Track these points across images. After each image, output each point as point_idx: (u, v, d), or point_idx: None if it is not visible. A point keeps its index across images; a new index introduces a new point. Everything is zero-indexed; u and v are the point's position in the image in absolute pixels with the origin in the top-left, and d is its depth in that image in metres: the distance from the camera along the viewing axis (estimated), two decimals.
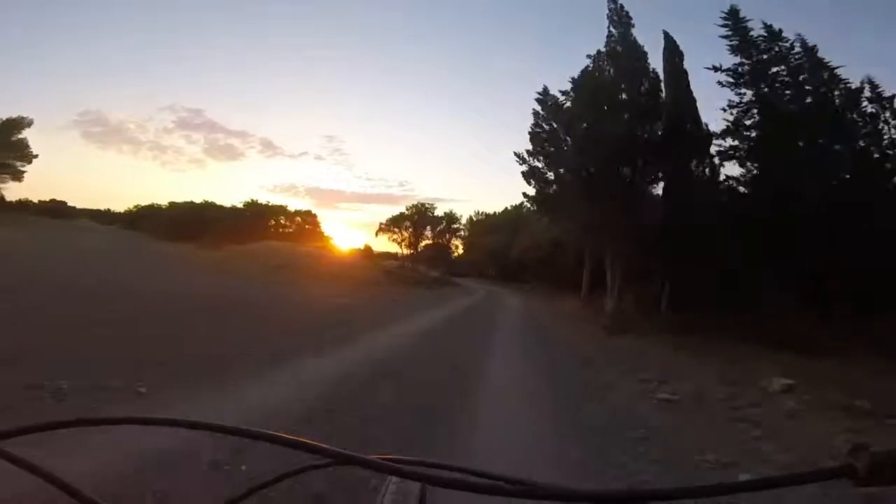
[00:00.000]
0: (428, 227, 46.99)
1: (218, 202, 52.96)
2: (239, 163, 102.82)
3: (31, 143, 46.36)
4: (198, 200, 53.39)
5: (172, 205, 55.53)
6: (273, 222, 49.71)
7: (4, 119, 36.80)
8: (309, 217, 52.94)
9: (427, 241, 47.88)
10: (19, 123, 38.15)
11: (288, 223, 50.54)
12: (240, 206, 49.78)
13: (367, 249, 61.88)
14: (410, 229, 45.70)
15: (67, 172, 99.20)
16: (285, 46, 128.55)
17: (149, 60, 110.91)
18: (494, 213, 57.71)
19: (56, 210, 54.21)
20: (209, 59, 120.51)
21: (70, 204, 61.81)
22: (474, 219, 57.71)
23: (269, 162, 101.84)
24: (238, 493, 0.62)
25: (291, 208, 54.28)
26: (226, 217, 46.50)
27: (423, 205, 47.21)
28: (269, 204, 50.22)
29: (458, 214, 50.43)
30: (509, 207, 51.89)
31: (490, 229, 51.52)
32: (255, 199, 50.91)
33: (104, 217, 69.31)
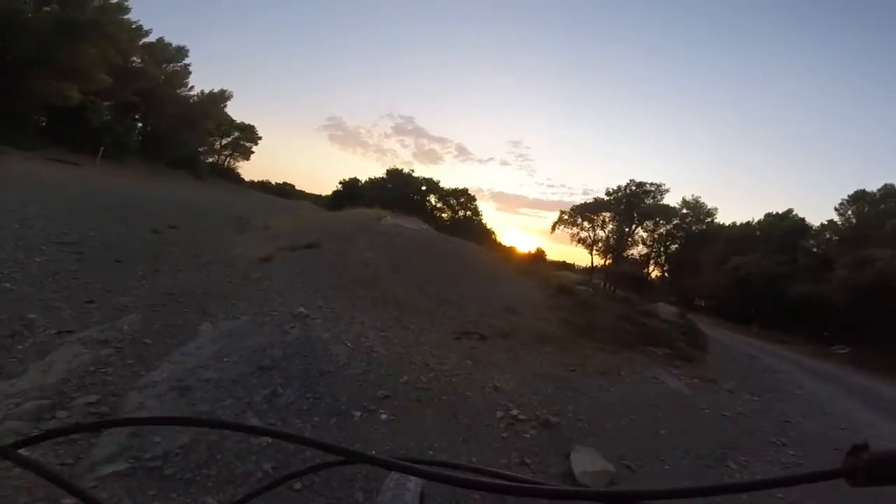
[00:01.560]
0: (641, 224, 28.65)
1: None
2: (438, 166, 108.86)
3: (259, 131, 54.88)
4: None
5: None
6: (418, 198, 37.45)
7: (210, 91, 42.16)
8: (468, 201, 39.17)
9: (636, 249, 30.42)
10: (222, 97, 43.66)
11: (441, 205, 38.79)
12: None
13: (539, 254, 56.60)
14: (613, 224, 28.75)
15: (317, 166, 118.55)
16: (482, 56, 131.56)
17: (375, 71, 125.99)
18: (751, 221, 32.23)
19: (283, 191, 63.50)
20: (418, 68, 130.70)
21: (298, 188, 70.55)
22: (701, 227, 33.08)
23: (462, 166, 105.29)
24: (246, 493, 0.65)
25: (446, 185, 40.56)
26: (366, 191, 38.67)
27: (636, 186, 28.07)
28: (413, 174, 37.82)
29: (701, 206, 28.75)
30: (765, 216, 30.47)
31: (738, 244, 30.08)
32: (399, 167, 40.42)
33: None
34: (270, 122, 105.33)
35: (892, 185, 26.58)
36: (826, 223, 30.18)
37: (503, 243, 48.66)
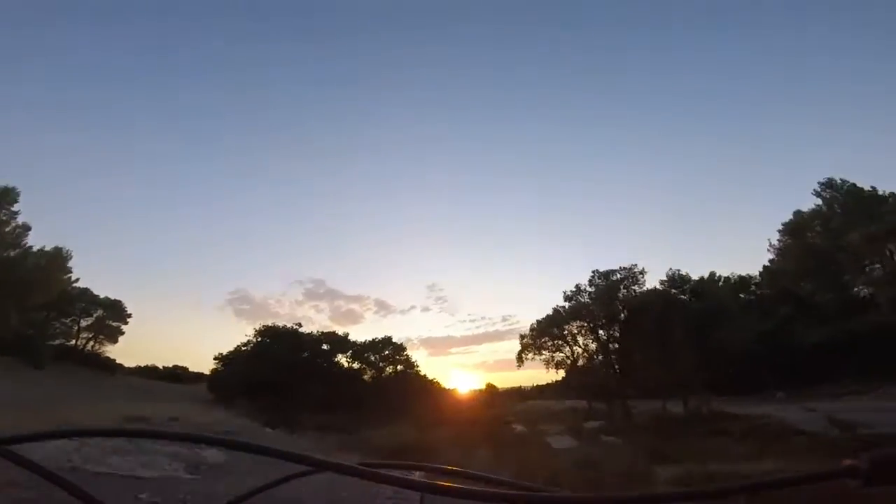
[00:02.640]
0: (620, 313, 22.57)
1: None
2: (359, 326, 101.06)
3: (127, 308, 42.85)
4: None
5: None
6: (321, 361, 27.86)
7: (38, 250, 31.01)
8: (395, 352, 30.13)
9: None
10: (58, 259, 32.59)
11: (358, 365, 29.01)
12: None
13: (490, 389, 47.59)
14: (600, 322, 21.11)
15: (220, 344, 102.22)
16: (386, 209, 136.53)
17: (279, 237, 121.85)
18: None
19: (174, 374, 50.69)
20: (322, 229, 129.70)
21: (195, 370, 57.59)
22: None
23: (384, 321, 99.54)
24: (240, 495, 0.65)
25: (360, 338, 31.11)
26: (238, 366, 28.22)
27: (604, 276, 21.68)
28: (298, 329, 27.70)
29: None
30: None
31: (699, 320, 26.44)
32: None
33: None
34: (165, 302, 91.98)
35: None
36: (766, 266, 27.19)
37: (450, 390, 39.73)
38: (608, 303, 21.24)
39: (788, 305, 25.04)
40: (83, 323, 40.76)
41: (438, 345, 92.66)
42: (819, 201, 26.41)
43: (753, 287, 24.50)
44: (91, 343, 41.81)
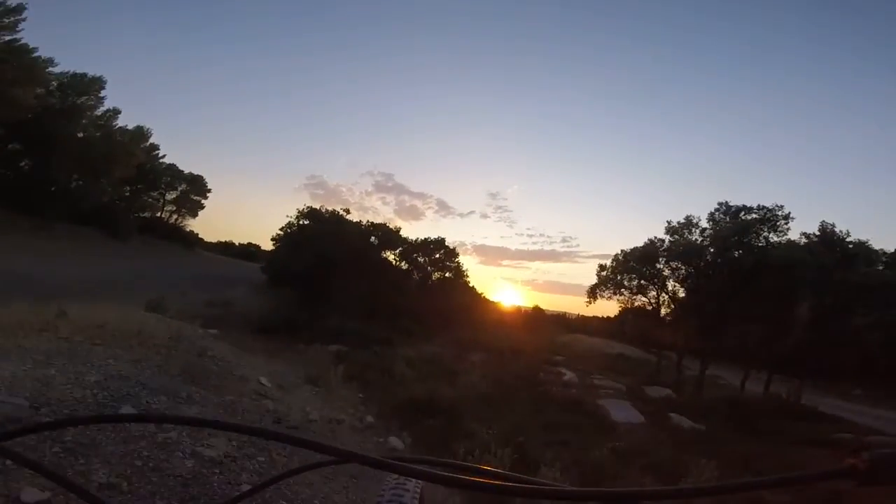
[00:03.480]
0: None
1: None
2: (420, 222, 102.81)
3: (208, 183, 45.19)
4: None
5: None
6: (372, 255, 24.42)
7: (120, 128, 32.22)
8: (446, 257, 26.99)
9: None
10: (140, 136, 34.34)
11: (405, 264, 26.34)
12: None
13: (536, 312, 45.58)
14: (710, 271, 16.52)
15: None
16: (454, 108, 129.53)
17: (355, 129, 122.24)
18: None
19: (248, 252, 53.58)
20: (398, 124, 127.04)
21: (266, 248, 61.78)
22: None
23: (443, 221, 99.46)
24: (240, 492, 0.71)
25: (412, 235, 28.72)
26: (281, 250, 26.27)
27: (736, 212, 16.40)
28: (346, 216, 24.62)
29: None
30: None
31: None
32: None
33: None
34: (249, 181, 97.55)
35: None
36: None
37: (496, 303, 38.04)
38: (730, 247, 16.19)
39: None
40: (168, 196, 42.81)
41: (491, 254, 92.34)
42: None
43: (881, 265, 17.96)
44: (174, 216, 44.31)
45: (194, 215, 45.31)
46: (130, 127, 33.06)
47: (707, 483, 0.38)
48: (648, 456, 7.40)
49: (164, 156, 39.34)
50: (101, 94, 30.65)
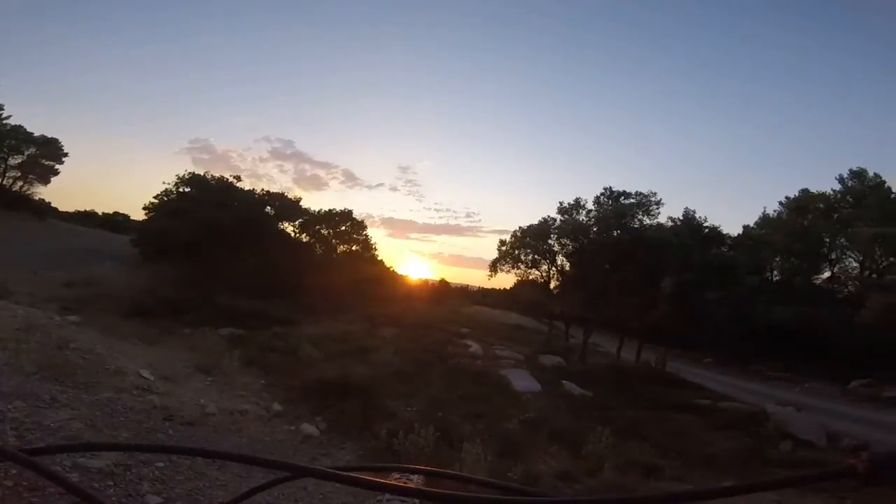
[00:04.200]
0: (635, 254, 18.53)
1: None
2: (323, 193, 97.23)
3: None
4: None
5: None
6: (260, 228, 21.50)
7: None
8: (352, 230, 25.69)
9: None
10: None
11: (306, 237, 24.57)
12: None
13: (443, 284, 46.78)
14: (592, 247, 18.30)
15: None
16: (366, 78, 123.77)
17: (247, 91, 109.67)
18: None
19: (114, 222, 47.65)
20: (298, 88, 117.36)
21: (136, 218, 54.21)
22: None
23: (350, 192, 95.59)
24: (232, 498, 0.63)
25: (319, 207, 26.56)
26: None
27: (615, 196, 18.81)
28: (236, 184, 22.34)
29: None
30: None
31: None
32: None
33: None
34: (118, 143, 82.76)
35: None
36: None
37: (404, 276, 37.98)
38: (611, 227, 18.13)
39: (756, 276, 23.86)
40: (12, 161, 36.01)
41: (399, 227, 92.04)
42: (838, 187, 24.25)
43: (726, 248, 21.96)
44: (20, 184, 37.40)
45: (46, 182, 38.42)
46: None
47: (704, 488, 0.39)
48: (550, 423, 7.94)
49: (8, 116, 33.59)
50: None
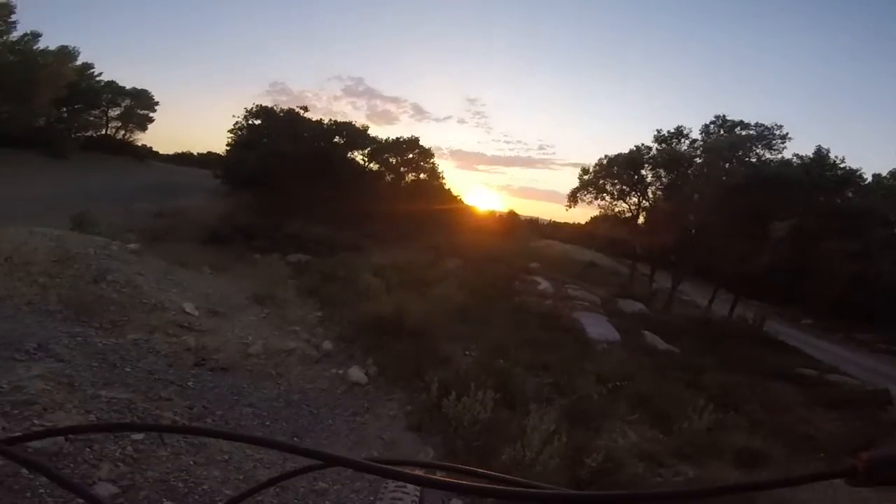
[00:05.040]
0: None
1: None
2: (395, 127, 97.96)
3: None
4: None
5: None
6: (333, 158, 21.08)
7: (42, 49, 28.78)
8: (420, 158, 24.63)
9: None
10: (66, 57, 30.68)
11: (377, 166, 23.70)
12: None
13: (512, 217, 44.94)
14: (699, 182, 15.44)
15: None
16: (431, 11, 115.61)
17: (318, 32, 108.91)
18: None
19: (207, 160, 51.42)
20: (365, 26, 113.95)
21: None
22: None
23: (419, 126, 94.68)
24: (237, 494, 0.62)
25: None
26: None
27: (730, 126, 15.68)
28: (304, 114, 21.43)
29: None
30: None
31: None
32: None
33: None
34: (206, 91, 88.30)
35: None
36: None
37: (472, 207, 36.76)
38: (723, 159, 15.08)
39: (886, 230, 19.27)
40: (112, 113, 40.10)
41: (468, 159, 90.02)
42: None
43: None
44: (122, 132, 41.79)
45: (143, 129, 42.60)
46: (53, 48, 29.13)
47: (705, 486, 0.39)
48: (634, 384, 6.74)
49: (100, 73, 36.45)
50: (12, 20, 25.73)
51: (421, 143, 24.23)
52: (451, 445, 4.33)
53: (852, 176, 15.34)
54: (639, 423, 5.86)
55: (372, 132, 23.67)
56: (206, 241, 13.11)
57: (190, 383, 3.82)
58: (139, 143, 42.94)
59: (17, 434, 0.88)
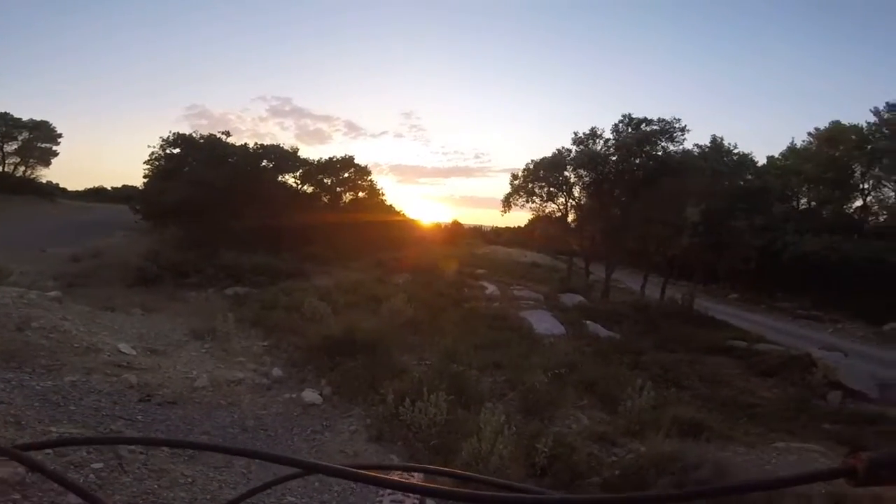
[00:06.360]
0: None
1: None
2: (328, 146, 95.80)
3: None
4: None
5: None
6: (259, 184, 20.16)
7: None
8: (356, 176, 24.40)
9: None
10: None
11: (308, 187, 23.40)
12: None
13: (455, 226, 45.90)
14: (611, 177, 17.51)
15: None
16: (359, 27, 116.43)
17: (239, 52, 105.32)
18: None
19: (126, 195, 47.34)
20: (290, 45, 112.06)
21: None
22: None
23: (354, 143, 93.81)
24: (236, 496, 0.63)
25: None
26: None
27: (636, 123, 17.32)
28: (224, 139, 20.89)
29: None
30: None
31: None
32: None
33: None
34: (117, 119, 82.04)
35: None
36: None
37: (415, 221, 37.09)
38: (633, 154, 16.70)
39: (785, 205, 22.47)
40: (8, 148, 36.64)
41: (408, 172, 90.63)
42: (872, 119, 22.11)
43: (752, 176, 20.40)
44: (23, 168, 38.07)
45: (47, 164, 38.90)
46: None
47: (702, 487, 0.38)
48: (580, 371, 7.32)
49: None
50: None
51: (357, 160, 24.23)
52: (412, 450, 4.53)
53: (746, 159, 17.63)
54: (589, 408, 6.38)
55: (303, 153, 23.42)
56: (132, 284, 12.32)
57: (139, 417, 3.74)
58: (43, 180, 39.08)
59: (29, 441, 0.78)
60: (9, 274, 9.46)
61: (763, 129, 71.28)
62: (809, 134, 25.32)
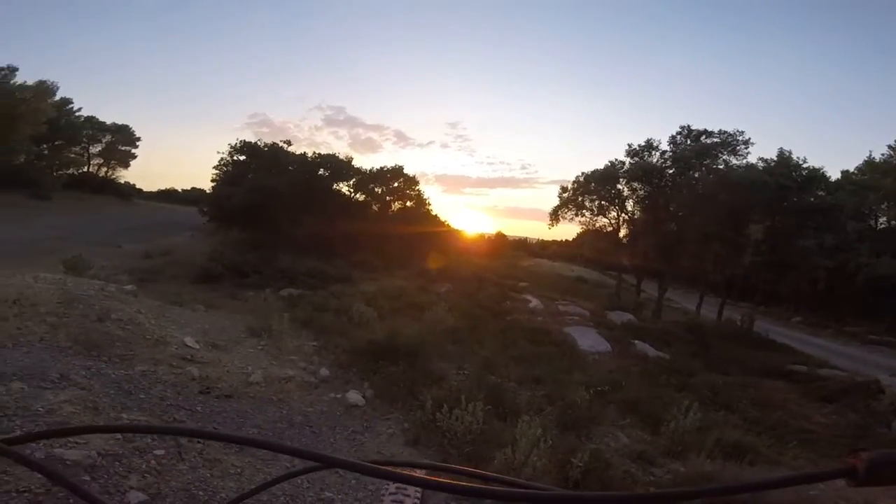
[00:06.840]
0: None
1: None
2: (378, 155, 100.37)
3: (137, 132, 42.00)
4: None
5: None
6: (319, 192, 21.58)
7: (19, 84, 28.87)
8: (405, 185, 25.08)
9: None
10: (43, 92, 30.39)
11: (362, 196, 24.20)
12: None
13: (500, 238, 45.65)
14: (667, 190, 16.87)
15: None
16: (408, 40, 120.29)
17: (298, 63, 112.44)
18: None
19: (192, 197, 51.58)
20: (344, 56, 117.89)
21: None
22: None
23: (403, 152, 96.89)
24: (240, 494, 0.64)
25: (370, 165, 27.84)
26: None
27: (696, 135, 16.31)
28: (286, 147, 22.43)
29: None
30: None
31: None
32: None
33: None
34: (188, 126, 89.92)
35: None
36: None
37: (459, 231, 37.31)
38: (691, 167, 16.00)
39: (860, 223, 20.42)
40: (93, 150, 39.94)
41: (453, 182, 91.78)
42: None
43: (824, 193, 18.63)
44: (105, 169, 41.33)
45: (126, 166, 42.40)
46: (31, 83, 29.20)
47: (703, 486, 0.39)
48: (623, 390, 7.09)
49: (79, 109, 36.51)
50: None
51: (405, 170, 24.99)
52: (445, 455, 4.62)
53: (817, 174, 16.31)
54: (630, 427, 6.18)
55: (356, 161, 24.41)
56: (196, 281, 13.35)
57: (199, 408, 4.10)
58: (122, 181, 42.84)
59: (17, 434, 0.86)
60: (90, 267, 10.54)
61: (838, 142, 65.70)
62: (889, 147, 22.99)
